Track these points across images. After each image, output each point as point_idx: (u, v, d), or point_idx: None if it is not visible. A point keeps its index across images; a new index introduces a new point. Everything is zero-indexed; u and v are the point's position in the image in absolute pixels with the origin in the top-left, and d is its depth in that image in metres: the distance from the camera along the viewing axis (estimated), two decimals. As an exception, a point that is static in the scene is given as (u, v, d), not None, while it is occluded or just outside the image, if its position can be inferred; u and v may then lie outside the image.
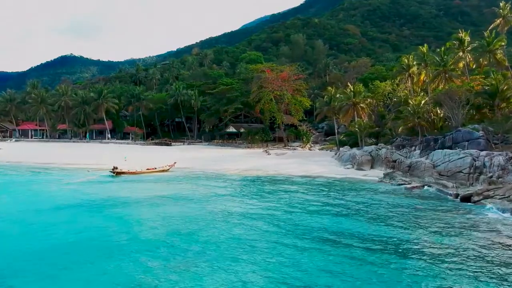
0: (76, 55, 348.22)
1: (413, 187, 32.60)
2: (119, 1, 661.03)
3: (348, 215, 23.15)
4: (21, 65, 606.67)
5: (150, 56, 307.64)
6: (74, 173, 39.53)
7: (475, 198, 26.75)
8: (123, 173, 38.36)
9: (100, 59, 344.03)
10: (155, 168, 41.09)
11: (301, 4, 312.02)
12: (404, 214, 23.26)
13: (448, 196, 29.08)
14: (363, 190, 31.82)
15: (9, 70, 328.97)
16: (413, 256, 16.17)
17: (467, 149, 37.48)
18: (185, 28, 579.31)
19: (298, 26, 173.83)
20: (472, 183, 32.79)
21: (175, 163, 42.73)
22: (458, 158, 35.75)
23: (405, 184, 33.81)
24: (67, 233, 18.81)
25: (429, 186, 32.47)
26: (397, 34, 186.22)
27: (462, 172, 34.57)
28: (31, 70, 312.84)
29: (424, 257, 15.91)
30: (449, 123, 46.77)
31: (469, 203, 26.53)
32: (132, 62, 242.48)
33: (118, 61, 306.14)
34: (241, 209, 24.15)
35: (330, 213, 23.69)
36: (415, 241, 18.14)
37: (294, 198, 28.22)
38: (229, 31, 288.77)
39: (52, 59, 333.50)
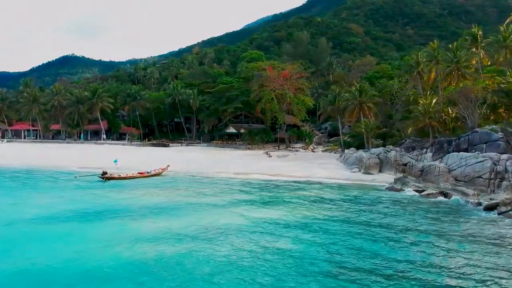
0: (78, 55, 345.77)
1: (428, 194, 29.56)
2: (120, 1, 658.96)
3: (362, 231, 20.04)
4: (22, 65, 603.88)
5: (151, 56, 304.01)
6: (60, 177, 36.61)
7: (502, 209, 23.70)
8: (112, 178, 35.46)
9: (102, 59, 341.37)
10: (148, 172, 38.16)
11: (303, 4, 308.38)
12: (424, 228, 20.22)
13: (469, 205, 26.07)
14: (374, 198, 28.79)
15: (11, 70, 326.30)
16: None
17: (485, 152, 34.46)
18: (187, 28, 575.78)
19: (300, 25, 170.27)
20: (494, 190, 29.70)
21: (168, 166, 39.79)
22: (477, 162, 32.63)
23: (419, 190, 30.74)
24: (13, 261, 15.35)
25: (446, 193, 29.40)
26: (400, 34, 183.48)
27: (482, 178, 31.44)
28: (32, 70, 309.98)
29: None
30: (462, 124, 43.77)
31: (495, 214, 23.54)
32: (133, 62, 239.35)
33: (119, 61, 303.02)
34: (239, 224, 21.01)
35: (341, 229, 20.52)
36: (445, 265, 15.13)
37: (299, 208, 25.11)
38: (231, 31, 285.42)
39: (54, 59, 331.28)
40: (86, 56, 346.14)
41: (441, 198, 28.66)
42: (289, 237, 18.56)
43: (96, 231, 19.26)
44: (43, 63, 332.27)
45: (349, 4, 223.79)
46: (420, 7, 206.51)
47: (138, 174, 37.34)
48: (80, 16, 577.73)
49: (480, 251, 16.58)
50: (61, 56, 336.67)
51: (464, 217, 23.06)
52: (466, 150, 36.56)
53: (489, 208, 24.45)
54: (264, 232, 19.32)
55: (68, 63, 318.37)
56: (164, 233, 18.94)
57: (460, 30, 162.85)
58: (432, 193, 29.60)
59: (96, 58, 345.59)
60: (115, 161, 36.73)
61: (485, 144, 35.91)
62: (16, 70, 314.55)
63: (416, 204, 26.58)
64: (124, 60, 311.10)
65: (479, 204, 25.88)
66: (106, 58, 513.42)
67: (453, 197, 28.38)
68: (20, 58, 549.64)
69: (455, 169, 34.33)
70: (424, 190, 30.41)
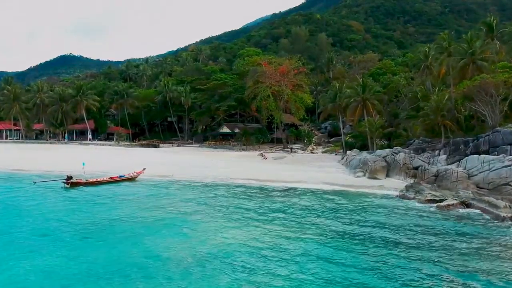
0: (76, 54, 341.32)
1: (448, 206, 24.70)
2: (119, 1, 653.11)
3: (373, 261, 15.25)
4: (22, 65, 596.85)
5: (150, 56, 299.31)
6: (16, 183, 31.74)
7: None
8: (78, 183, 30.64)
9: (100, 59, 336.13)
10: (120, 177, 33.34)
11: (302, 3, 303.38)
12: (455, 260, 15.40)
13: (501, 221, 21.25)
14: (385, 210, 23.99)
15: (9, 70, 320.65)
16: None
17: (510, 155, 29.80)
18: (186, 28, 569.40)
19: (299, 22, 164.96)
20: (526, 200, 25.00)
21: (144, 169, 34.86)
22: (503, 167, 28.06)
23: (436, 200, 25.89)
24: None
25: (470, 204, 24.63)
26: (401, 31, 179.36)
27: (510, 185, 26.83)
28: (30, 69, 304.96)
29: None
30: (481, 122, 39.14)
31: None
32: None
33: (118, 61, 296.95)
34: (219, 249, 16.20)
35: (346, 255, 15.77)
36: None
37: (296, 224, 20.34)
38: (230, 30, 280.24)
39: (52, 58, 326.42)
40: (85, 56, 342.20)
41: (465, 210, 23.88)
42: (282, 268, 13.79)
43: (30, 265, 14.37)
44: (41, 63, 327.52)
45: (349, 1, 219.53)
46: (421, 4, 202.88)
47: (108, 179, 32.52)
48: (78, 16, 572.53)
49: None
50: (59, 55, 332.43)
51: (501, 238, 18.31)
52: (486, 152, 31.99)
53: (530, 226, 19.74)
54: (250, 256, 14.61)
55: (66, 62, 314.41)
56: (125, 265, 14.15)
57: (462, 28, 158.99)
58: (452, 204, 24.78)
59: (94, 58, 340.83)
60: (83, 164, 31.96)
61: (509, 146, 31.29)
62: (15, 70, 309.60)
63: (436, 219, 21.82)
64: (122, 59, 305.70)
65: (514, 218, 21.16)
66: (104, 58, 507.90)
67: (478, 209, 23.62)
68: (19, 58, 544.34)
69: (476, 175, 29.73)
70: (443, 200, 25.54)
